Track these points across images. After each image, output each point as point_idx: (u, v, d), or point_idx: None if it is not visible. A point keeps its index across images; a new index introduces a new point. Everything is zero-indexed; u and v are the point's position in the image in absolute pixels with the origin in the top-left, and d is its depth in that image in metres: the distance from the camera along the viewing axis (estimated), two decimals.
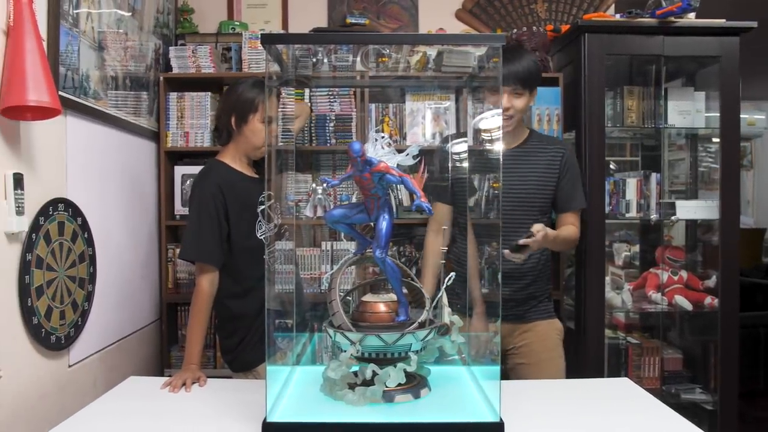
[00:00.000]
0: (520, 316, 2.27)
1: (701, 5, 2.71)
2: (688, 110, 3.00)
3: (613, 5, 3.61)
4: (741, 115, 2.84)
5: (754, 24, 2.73)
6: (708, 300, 2.89)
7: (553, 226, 2.27)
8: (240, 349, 2.16)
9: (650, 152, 3.25)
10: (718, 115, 2.84)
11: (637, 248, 3.29)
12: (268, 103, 2.06)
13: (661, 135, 3.15)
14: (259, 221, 2.14)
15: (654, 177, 2.98)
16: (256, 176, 2.23)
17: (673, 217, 2.96)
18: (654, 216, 2.97)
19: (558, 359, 2.29)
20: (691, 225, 3.22)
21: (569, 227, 2.25)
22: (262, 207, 2.14)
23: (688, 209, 2.96)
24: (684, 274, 3.00)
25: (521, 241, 2.00)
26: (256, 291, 2.11)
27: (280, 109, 2.92)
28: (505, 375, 2.30)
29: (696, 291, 2.96)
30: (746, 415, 3.04)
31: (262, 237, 2.13)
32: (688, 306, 2.89)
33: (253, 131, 2.13)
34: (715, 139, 2.97)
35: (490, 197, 2.18)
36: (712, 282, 2.93)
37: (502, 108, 2.10)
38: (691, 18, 2.77)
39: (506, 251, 2.01)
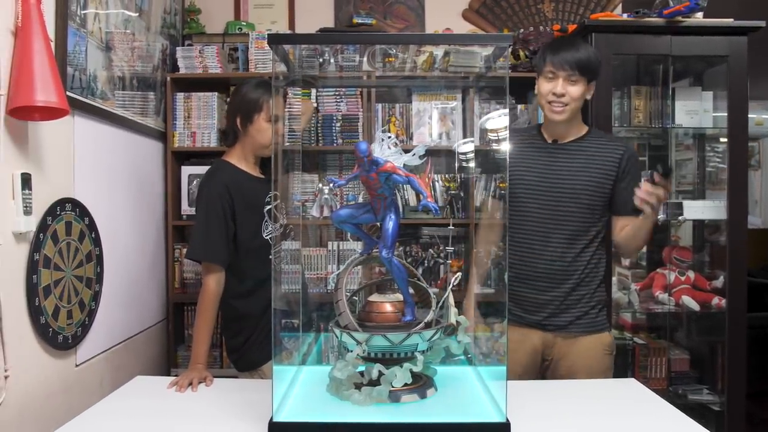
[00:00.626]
0: (561, 327, 2.07)
1: (709, 5, 2.69)
2: (696, 110, 2.98)
3: (620, 5, 3.61)
4: (749, 115, 2.82)
5: (762, 23, 2.71)
6: (715, 300, 2.88)
7: (608, 230, 2.13)
8: (245, 349, 2.16)
9: (658, 152, 3.24)
10: (726, 114, 2.82)
11: (644, 248, 3.27)
12: (274, 102, 2.06)
13: (669, 135, 3.14)
14: (266, 221, 2.14)
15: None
16: (263, 176, 2.23)
17: (680, 218, 2.95)
18: (661, 216, 2.96)
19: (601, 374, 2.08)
20: (699, 225, 3.20)
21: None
22: (269, 207, 2.14)
23: (695, 209, 2.95)
24: (691, 274, 2.98)
25: (658, 174, 1.83)
26: (261, 291, 2.11)
27: (286, 109, 2.93)
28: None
29: (703, 291, 2.95)
30: (754, 416, 3.02)
31: (267, 237, 2.14)
32: (695, 306, 2.88)
33: (259, 130, 2.14)
34: (723, 139, 2.96)
35: (503, 197, 2.13)
36: (719, 282, 2.91)
37: (558, 94, 2.01)
38: (698, 17, 2.76)
39: (644, 186, 1.85)
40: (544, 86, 2.04)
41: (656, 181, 1.84)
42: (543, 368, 2.13)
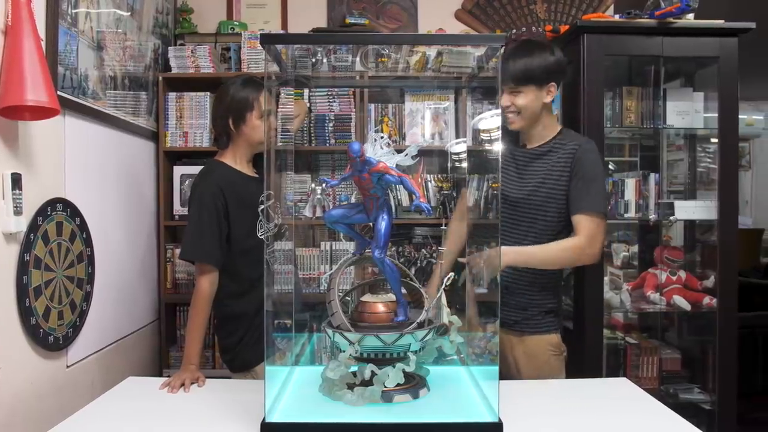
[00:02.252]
0: (510, 326, 2.13)
1: (700, 6, 2.70)
2: (687, 111, 2.99)
3: (612, 6, 3.62)
4: (739, 116, 2.83)
5: (753, 25, 2.73)
6: (706, 300, 2.89)
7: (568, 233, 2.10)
8: (239, 349, 2.15)
9: (649, 152, 3.25)
10: (717, 115, 2.84)
11: (635, 248, 3.29)
12: (265, 98, 2.06)
13: (660, 135, 3.15)
14: (260, 221, 2.14)
15: (653, 177, 2.98)
16: (257, 176, 2.23)
17: (671, 218, 2.96)
18: (652, 216, 2.97)
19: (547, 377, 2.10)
20: (690, 225, 3.22)
21: (563, 241, 2.03)
22: (263, 207, 2.13)
23: (686, 209, 2.96)
24: (682, 274, 2.99)
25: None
26: (254, 291, 2.11)
27: (279, 110, 2.92)
28: None
29: (694, 291, 2.96)
30: (745, 415, 3.03)
31: (261, 237, 2.13)
32: (686, 306, 2.89)
33: (253, 128, 2.13)
34: (714, 140, 2.97)
35: (489, 198, 2.15)
36: (710, 282, 2.92)
37: (502, 106, 2.07)
38: (689, 19, 2.77)
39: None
40: (502, 98, 2.10)
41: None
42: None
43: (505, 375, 2.13)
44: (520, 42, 2.19)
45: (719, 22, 2.76)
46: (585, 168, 2.04)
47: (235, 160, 2.18)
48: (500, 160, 1.97)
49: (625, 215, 2.98)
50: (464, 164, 2.48)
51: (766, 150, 7.33)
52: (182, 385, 1.82)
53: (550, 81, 2.09)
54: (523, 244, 2.07)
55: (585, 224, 2.00)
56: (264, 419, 1.40)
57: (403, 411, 1.48)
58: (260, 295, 2.08)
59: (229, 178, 2.13)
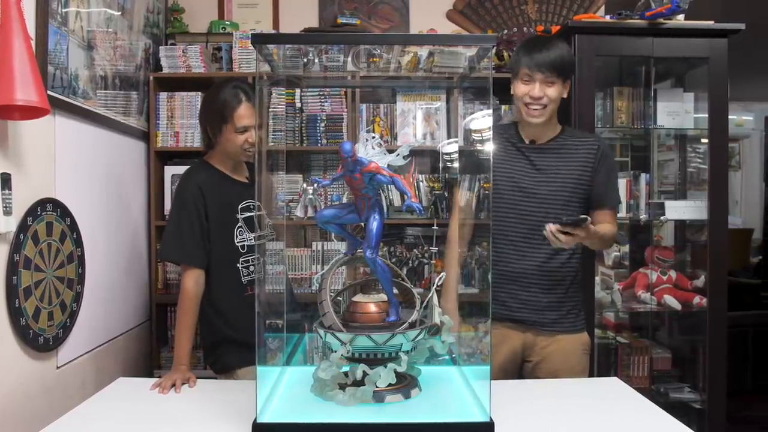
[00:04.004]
0: (541, 325, 2.08)
1: (690, 7, 2.72)
2: (677, 111, 3.01)
3: (603, 6, 3.63)
4: (729, 116, 2.85)
5: (742, 26, 2.74)
6: (697, 300, 2.91)
7: None
8: (220, 352, 2.14)
9: (640, 153, 3.27)
10: (707, 115, 2.86)
11: (626, 248, 3.30)
12: (244, 110, 2.03)
13: (651, 136, 3.17)
14: (239, 227, 2.12)
15: (643, 177, 3.00)
16: (243, 180, 2.20)
17: (662, 218, 2.98)
18: (643, 216, 2.99)
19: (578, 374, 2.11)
20: (680, 225, 3.23)
21: (606, 225, 2.07)
22: (247, 215, 2.12)
23: (677, 209, 2.98)
24: (673, 274, 3.01)
25: (567, 221, 1.83)
26: (235, 293, 2.10)
27: (271, 110, 2.91)
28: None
29: (685, 291, 2.98)
30: (734, 414, 3.05)
31: (239, 245, 2.12)
32: (677, 306, 2.91)
33: (227, 140, 2.08)
34: (704, 140, 2.99)
35: (487, 197, 2.13)
36: (700, 282, 2.94)
37: (536, 97, 2.02)
38: (680, 20, 2.79)
39: (550, 226, 1.84)
40: (520, 88, 2.05)
41: (563, 225, 1.84)
42: (523, 369, 2.14)
43: (525, 376, 2.14)
44: (540, 34, 2.16)
45: (709, 23, 2.78)
46: (609, 164, 2.12)
47: (221, 162, 2.17)
48: (491, 159, 1.97)
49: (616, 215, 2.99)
50: (456, 164, 2.48)
51: (755, 150, 7.37)
52: (173, 385, 1.81)
53: (572, 76, 2.12)
54: (536, 237, 2.03)
55: (610, 218, 2.11)
56: (255, 419, 1.40)
57: (395, 411, 1.48)
58: (241, 299, 2.09)
59: (211, 179, 2.11)
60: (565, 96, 2.10)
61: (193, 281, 2.03)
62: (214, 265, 2.09)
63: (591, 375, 2.26)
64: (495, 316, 2.10)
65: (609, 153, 2.15)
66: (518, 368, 2.14)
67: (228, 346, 2.11)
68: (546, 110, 2.05)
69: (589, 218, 1.86)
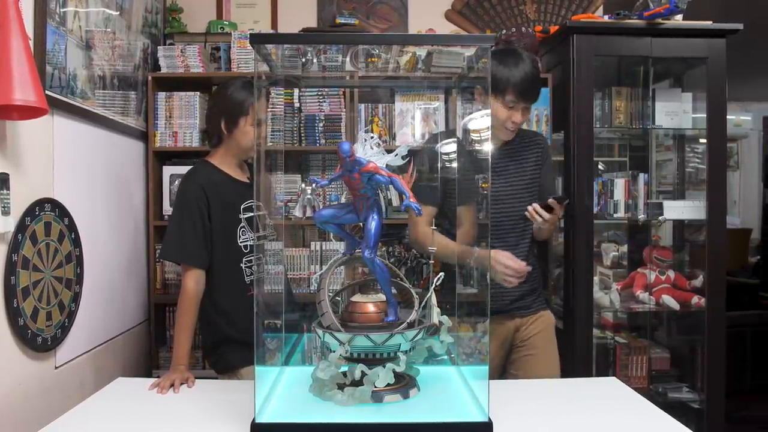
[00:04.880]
0: (527, 307, 2.27)
1: (688, 7, 2.72)
2: (676, 111, 3.01)
3: (602, 6, 3.64)
4: (728, 116, 2.85)
5: (740, 26, 2.75)
6: (695, 299, 2.91)
7: None
8: (221, 352, 2.14)
9: (638, 153, 3.27)
10: (705, 115, 2.86)
11: (625, 248, 3.30)
12: (258, 105, 2.05)
13: (649, 136, 3.17)
14: (242, 227, 2.13)
15: (642, 177, 3.00)
16: (245, 180, 2.21)
17: (660, 218, 2.98)
18: (642, 216, 2.99)
19: (555, 349, 2.33)
20: (679, 225, 3.24)
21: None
22: (249, 215, 2.13)
23: (675, 209, 2.98)
24: (671, 273, 3.01)
25: (552, 199, 2.06)
26: (238, 293, 2.10)
27: (269, 110, 2.91)
28: (504, 370, 2.31)
29: (683, 291, 2.98)
30: (733, 414, 3.06)
31: (242, 244, 2.13)
32: (675, 306, 2.91)
33: (245, 134, 2.11)
34: (702, 140, 3.00)
35: (479, 198, 2.15)
36: (699, 282, 2.95)
37: (518, 123, 2.13)
38: (678, 20, 2.79)
39: (534, 205, 2.07)
40: (503, 112, 2.11)
41: (549, 203, 2.05)
42: (511, 351, 2.30)
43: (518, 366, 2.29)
44: (510, 50, 2.18)
45: (707, 23, 2.78)
46: (550, 159, 2.32)
47: (224, 161, 2.17)
48: (490, 160, 1.97)
49: (615, 215, 3.00)
50: (454, 164, 2.48)
51: (753, 150, 7.38)
52: (171, 385, 1.81)
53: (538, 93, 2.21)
54: (510, 238, 2.19)
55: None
56: (254, 420, 1.40)
57: (394, 411, 1.48)
58: (242, 297, 2.09)
59: (213, 179, 2.12)
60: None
61: (194, 281, 2.04)
62: (217, 265, 2.10)
63: (566, 366, 2.47)
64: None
65: (547, 148, 2.33)
66: (507, 353, 2.29)
67: (230, 346, 2.11)
68: (515, 130, 2.18)
69: (568, 199, 2.08)
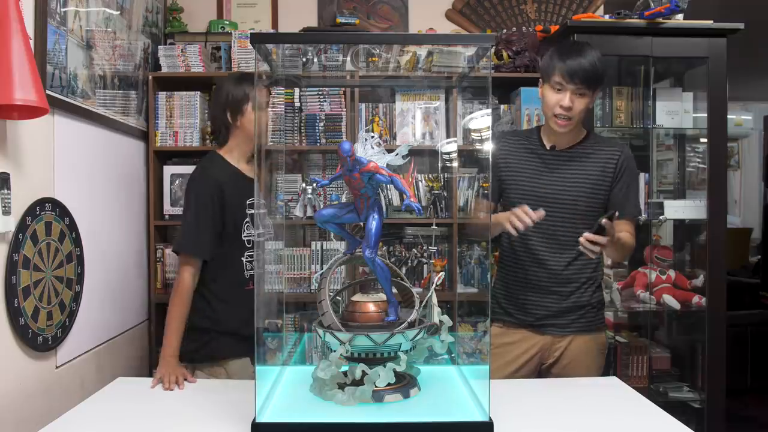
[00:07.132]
0: (561, 327, 2.08)
1: (689, 7, 2.72)
2: (676, 111, 3.01)
3: (602, 6, 3.63)
4: (728, 116, 2.86)
5: (741, 25, 2.75)
6: (696, 299, 2.91)
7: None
8: (208, 339, 2.11)
9: (639, 152, 3.26)
10: (706, 115, 2.86)
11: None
12: (258, 92, 2.07)
13: (650, 135, 3.17)
14: (246, 222, 2.14)
15: (642, 177, 3.00)
16: (251, 176, 2.22)
17: (661, 217, 2.98)
18: (642, 216, 2.99)
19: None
20: (679, 225, 3.24)
21: (625, 234, 2.02)
22: (252, 211, 2.14)
23: (676, 209, 2.98)
24: (672, 273, 3.01)
25: (606, 219, 1.76)
26: (237, 286, 2.11)
27: (270, 109, 2.91)
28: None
29: (684, 290, 2.98)
30: (733, 413, 3.06)
31: (245, 239, 2.14)
32: (675, 305, 2.91)
33: (251, 121, 2.13)
34: (703, 140, 2.99)
35: (486, 197, 2.09)
36: (699, 281, 2.94)
37: (566, 107, 1.96)
38: (678, 19, 2.79)
39: (586, 236, 1.78)
40: (551, 97, 2.00)
41: (603, 224, 1.78)
42: (540, 372, 2.14)
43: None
44: (570, 41, 2.08)
45: (708, 23, 2.78)
46: (630, 174, 2.08)
47: (233, 156, 2.19)
48: (490, 158, 1.97)
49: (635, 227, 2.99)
50: (455, 164, 2.48)
51: (754, 150, 7.38)
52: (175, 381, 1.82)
53: (602, 84, 2.06)
54: (552, 245, 2.04)
55: (627, 227, 2.05)
56: (255, 419, 1.40)
57: (394, 410, 1.48)
58: (240, 289, 2.09)
59: (226, 172, 2.14)
60: (591, 106, 2.05)
61: (191, 274, 2.05)
62: (219, 257, 2.11)
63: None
64: (515, 322, 2.12)
65: (631, 163, 2.09)
66: (535, 368, 2.13)
67: (217, 335, 2.10)
68: (572, 121, 2.01)
69: (614, 211, 1.83)
